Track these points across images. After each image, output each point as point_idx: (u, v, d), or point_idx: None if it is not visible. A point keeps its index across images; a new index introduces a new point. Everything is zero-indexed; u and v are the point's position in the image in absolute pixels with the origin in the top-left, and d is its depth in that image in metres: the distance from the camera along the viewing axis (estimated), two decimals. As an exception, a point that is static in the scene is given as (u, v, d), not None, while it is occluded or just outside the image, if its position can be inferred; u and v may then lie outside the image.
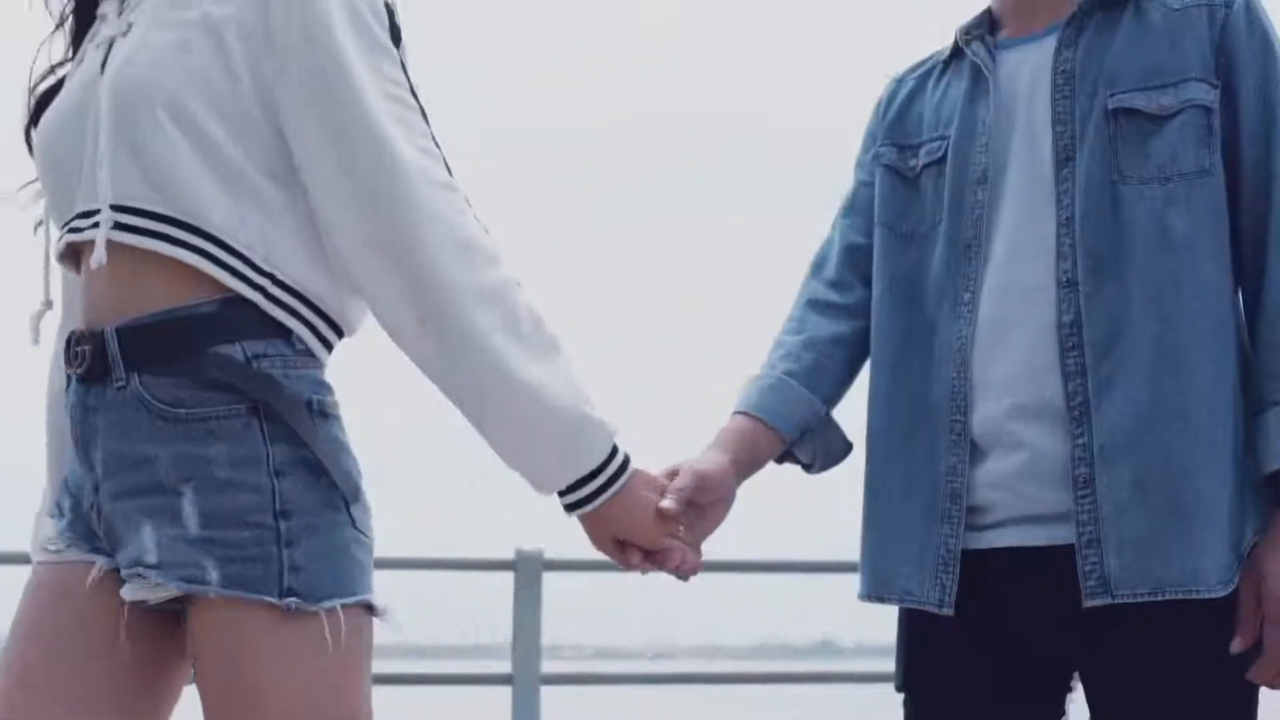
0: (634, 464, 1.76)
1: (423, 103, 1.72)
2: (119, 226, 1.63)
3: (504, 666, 6.29)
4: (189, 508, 1.60)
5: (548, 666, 6.11)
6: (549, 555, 6.15)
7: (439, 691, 7.28)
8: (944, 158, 1.97)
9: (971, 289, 1.91)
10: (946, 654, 1.93)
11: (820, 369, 2.05)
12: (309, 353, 1.68)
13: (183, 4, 1.68)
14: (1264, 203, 1.84)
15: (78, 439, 1.69)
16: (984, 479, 1.88)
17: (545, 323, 1.69)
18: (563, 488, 1.73)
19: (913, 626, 1.97)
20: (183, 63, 1.64)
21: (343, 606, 1.62)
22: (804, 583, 6.72)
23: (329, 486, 1.64)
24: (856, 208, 2.10)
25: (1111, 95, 1.86)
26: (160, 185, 1.63)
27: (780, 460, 2.07)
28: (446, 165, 1.70)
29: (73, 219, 1.69)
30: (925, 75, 2.07)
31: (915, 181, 2.00)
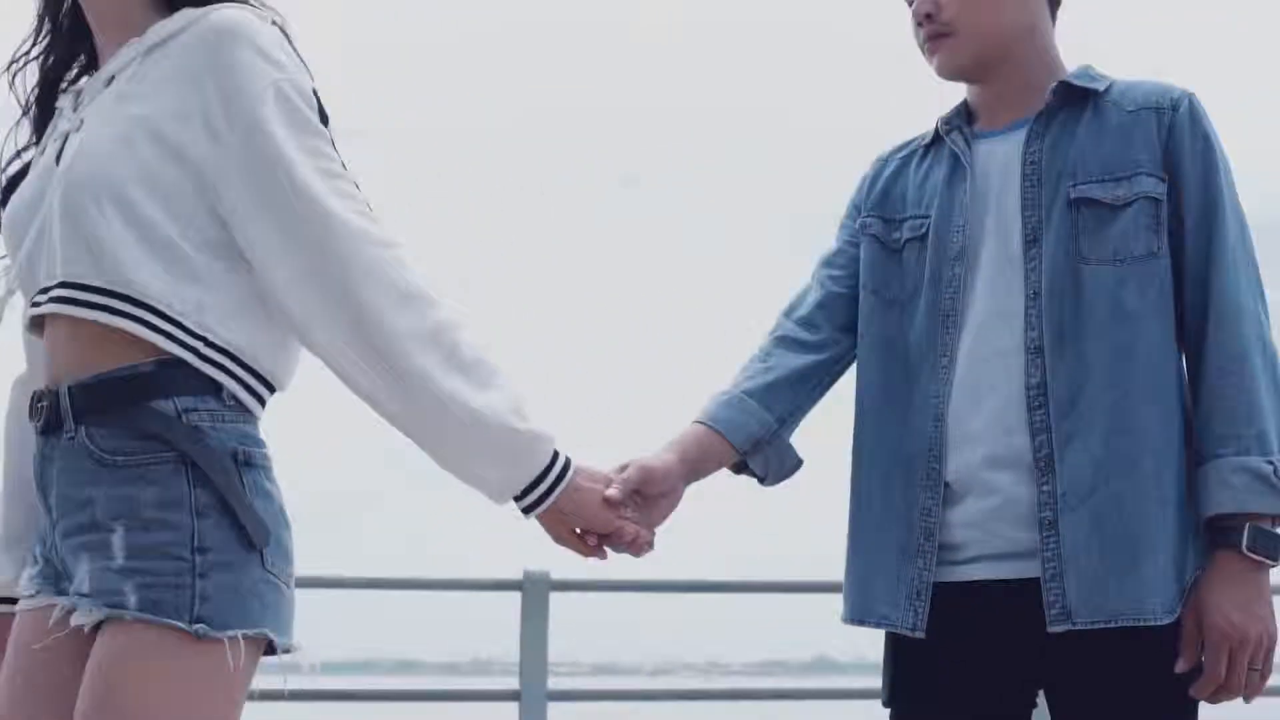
0: (579, 462, 2.01)
1: (353, 177, 1.92)
2: (70, 301, 1.83)
3: (511, 682, 6.48)
4: (118, 542, 1.79)
5: (550, 683, 6.29)
6: (555, 576, 6.35)
7: (447, 708, 7.44)
8: (925, 235, 2.23)
9: (949, 353, 2.17)
10: (926, 673, 2.18)
11: (777, 391, 2.29)
12: (240, 407, 1.86)
13: (128, 101, 1.87)
14: (1204, 284, 2.10)
15: (39, 486, 1.89)
16: (960, 519, 2.14)
17: (486, 354, 1.89)
18: (516, 494, 1.96)
19: (896, 648, 2.22)
20: (126, 156, 1.83)
21: (244, 637, 1.80)
22: (801, 601, 6.91)
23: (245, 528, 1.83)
24: (836, 263, 2.36)
25: (1073, 186, 2.13)
26: (103, 264, 1.82)
27: (737, 471, 2.32)
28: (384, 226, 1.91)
29: (36, 293, 1.89)
30: (908, 157, 2.33)
31: (899, 253, 2.26)
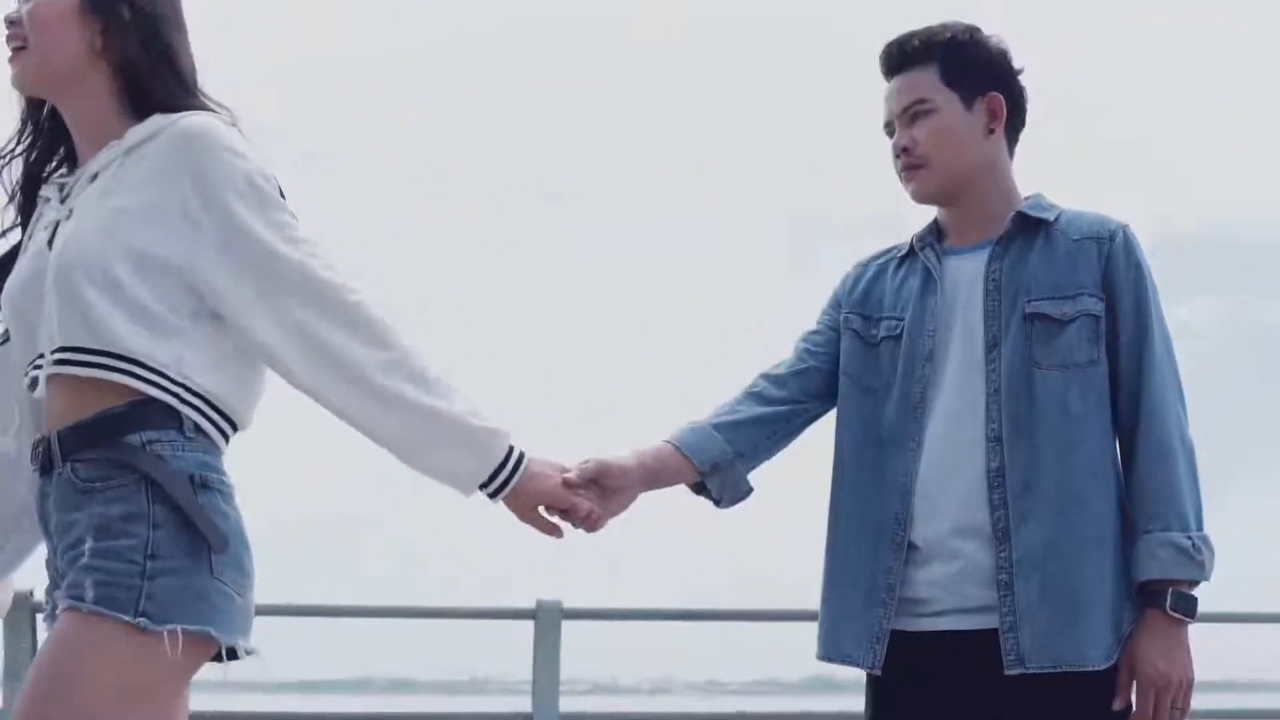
0: (535, 454, 2.39)
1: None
2: (69, 362, 2.17)
3: (520, 704, 6.84)
4: (87, 548, 2.13)
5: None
6: (567, 605, 6.71)
7: None
8: (900, 335, 2.64)
9: (917, 438, 2.58)
10: (900, 709, 2.59)
11: (740, 430, 2.70)
12: (203, 439, 2.21)
13: (111, 196, 2.22)
14: (1136, 390, 2.52)
15: (41, 518, 2.26)
16: (927, 579, 2.55)
17: (442, 373, 2.28)
18: (483, 482, 2.34)
19: (875, 688, 2.62)
20: (111, 241, 2.18)
21: (184, 632, 2.11)
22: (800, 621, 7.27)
23: (198, 541, 2.15)
24: (814, 341, 2.76)
25: (1028, 302, 2.54)
26: (96, 331, 2.17)
27: (696, 491, 2.73)
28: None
29: (36, 358, 2.24)
30: (885, 264, 2.74)
31: (876, 348, 2.67)
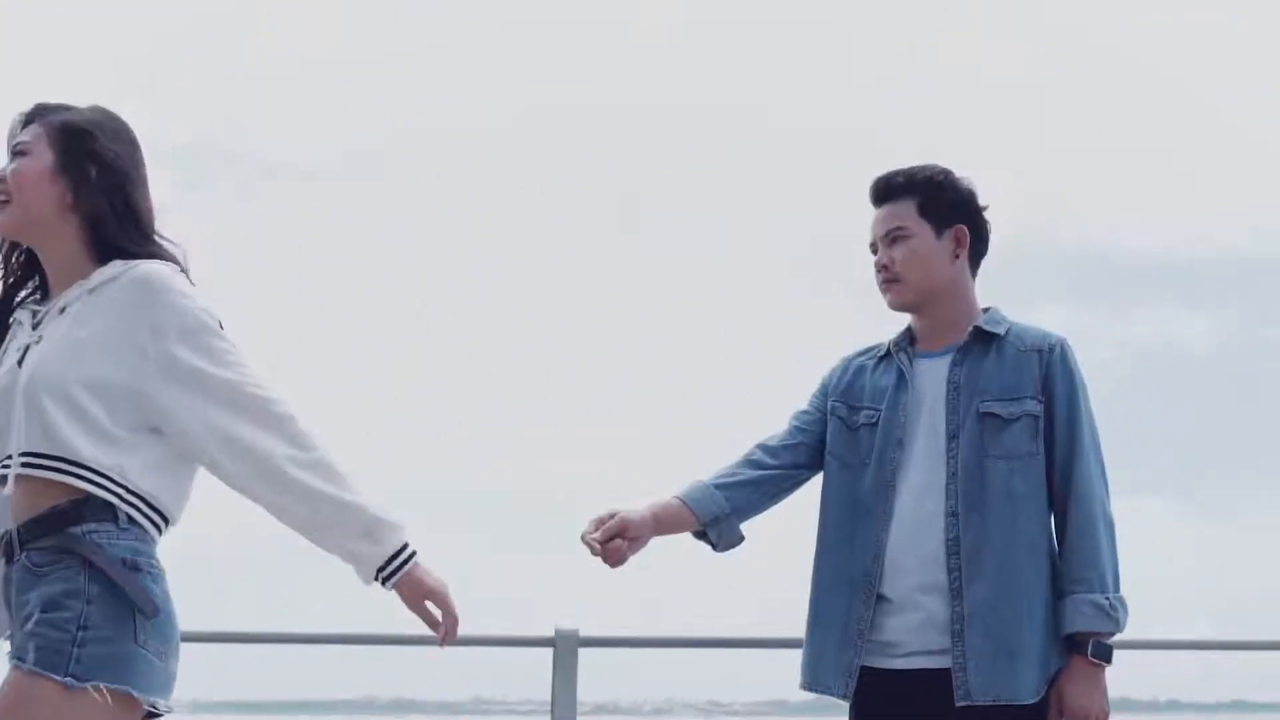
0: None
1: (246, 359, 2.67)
2: (31, 465, 2.55)
3: (538, 726, 7.24)
4: (34, 619, 2.50)
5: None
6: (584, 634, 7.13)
7: None
8: (877, 423, 3.23)
9: (888, 509, 3.15)
10: None
11: (736, 490, 3.29)
12: (137, 530, 2.57)
13: (76, 326, 2.59)
14: (1068, 475, 3.10)
15: (5, 599, 2.62)
16: (898, 626, 3.12)
17: (349, 472, 2.64)
18: (380, 565, 2.63)
19: (854, 712, 3.18)
20: (74, 366, 2.57)
21: (108, 689, 2.46)
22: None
23: (127, 614, 2.51)
24: (803, 419, 3.35)
25: (981, 403, 3.13)
26: (53, 439, 2.55)
27: (698, 537, 3.32)
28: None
29: (4, 459, 2.61)
30: (865, 362, 3.33)
31: (856, 432, 3.26)
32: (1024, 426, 3.11)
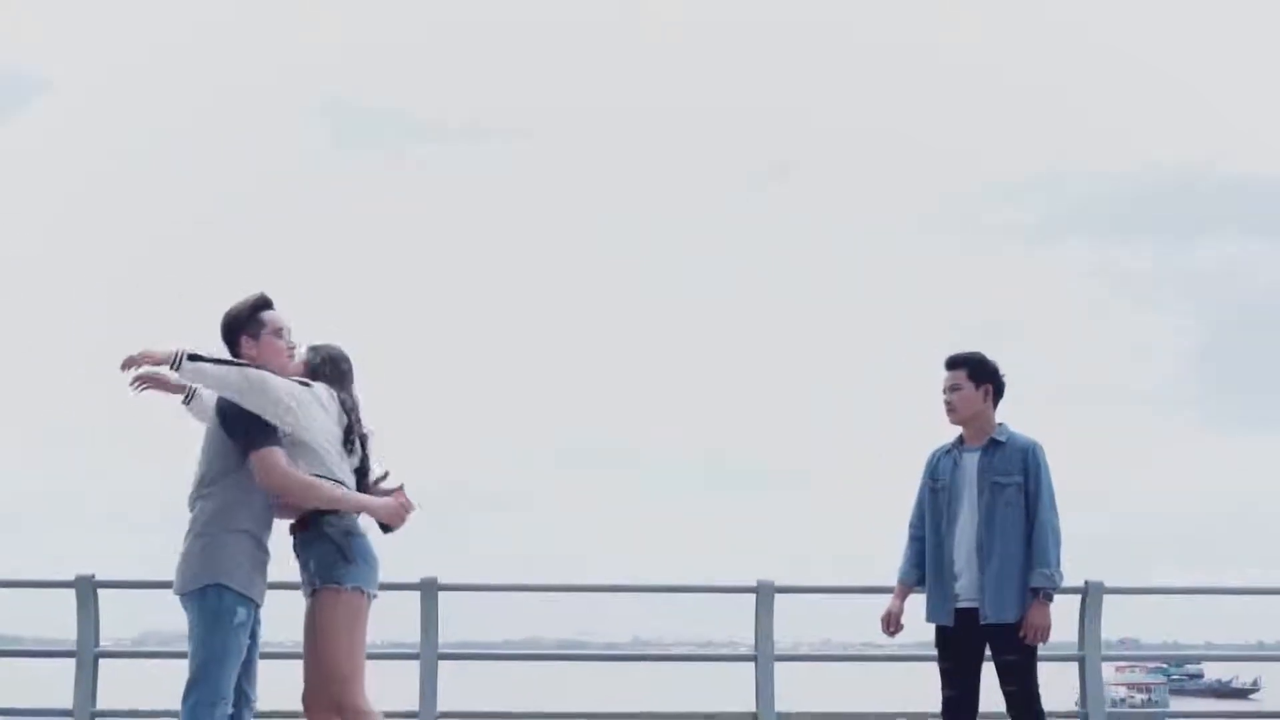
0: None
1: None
2: None
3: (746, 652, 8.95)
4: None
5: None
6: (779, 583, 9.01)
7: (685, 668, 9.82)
8: (943, 489, 6.70)
9: (951, 533, 6.64)
10: (951, 644, 6.65)
11: (916, 560, 6.82)
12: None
13: None
14: (1034, 511, 6.55)
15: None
16: (962, 584, 6.58)
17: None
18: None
19: (939, 637, 6.68)
20: None
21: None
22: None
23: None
24: (922, 495, 6.82)
25: (994, 477, 6.60)
26: None
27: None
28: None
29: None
30: (940, 453, 6.79)
31: (936, 494, 6.74)
32: (1016, 488, 6.51)
